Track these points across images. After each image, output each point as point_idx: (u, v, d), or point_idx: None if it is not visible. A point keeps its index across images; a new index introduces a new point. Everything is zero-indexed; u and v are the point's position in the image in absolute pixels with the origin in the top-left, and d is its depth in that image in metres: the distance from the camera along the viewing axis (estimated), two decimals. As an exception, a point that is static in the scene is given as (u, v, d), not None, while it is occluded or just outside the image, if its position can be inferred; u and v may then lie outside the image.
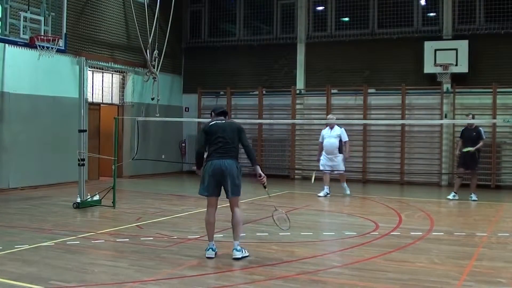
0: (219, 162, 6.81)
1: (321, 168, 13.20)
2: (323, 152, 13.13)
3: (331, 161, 13.02)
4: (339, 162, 13.05)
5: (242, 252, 6.73)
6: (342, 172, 13.24)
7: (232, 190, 6.79)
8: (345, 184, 13.22)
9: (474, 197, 12.59)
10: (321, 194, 12.93)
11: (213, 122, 7.08)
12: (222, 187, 6.87)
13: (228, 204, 6.92)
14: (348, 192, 13.12)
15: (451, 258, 6.89)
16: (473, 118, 13.14)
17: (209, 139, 6.96)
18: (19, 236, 7.85)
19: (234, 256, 6.66)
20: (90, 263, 6.45)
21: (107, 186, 10.99)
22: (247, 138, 7.16)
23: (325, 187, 13.00)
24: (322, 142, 13.21)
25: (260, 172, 6.92)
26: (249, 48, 18.72)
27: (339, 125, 13.24)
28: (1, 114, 12.97)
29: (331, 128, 13.10)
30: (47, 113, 14.02)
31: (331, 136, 13.05)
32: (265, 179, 6.94)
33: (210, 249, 6.78)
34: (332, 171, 13.12)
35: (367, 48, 17.21)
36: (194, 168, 7.28)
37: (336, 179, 13.50)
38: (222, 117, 7.17)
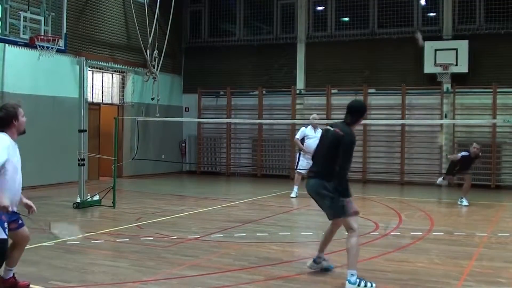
0: (307, 183, 5.99)
1: (301, 169, 12.39)
2: (302, 153, 12.48)
3: (306, 161, 12.10)
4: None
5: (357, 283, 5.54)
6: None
7: (326, 213, 5.89)
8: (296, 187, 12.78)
9: (464, 201, 11.76)
10: (294, 195, 12.54)
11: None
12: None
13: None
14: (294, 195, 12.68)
15: (451, 258, 6.89)
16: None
17: None
18: (19, 236, 7.84)
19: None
20: (90, 263, 6.45)
21: (107, 186, 10.99)
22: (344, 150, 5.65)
23: (296, 187, 12.61)
24: (301, 140, 12.51)
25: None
26: (249, 48, 18.72)
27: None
28: (1, 114, 12.95)
29: (315, 128, 12.43)
30: (47, 113, 14.01)
31: (316, 137, 11.92)
32: None
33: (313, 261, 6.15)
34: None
35: (367, 48, 17.20)
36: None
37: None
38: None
